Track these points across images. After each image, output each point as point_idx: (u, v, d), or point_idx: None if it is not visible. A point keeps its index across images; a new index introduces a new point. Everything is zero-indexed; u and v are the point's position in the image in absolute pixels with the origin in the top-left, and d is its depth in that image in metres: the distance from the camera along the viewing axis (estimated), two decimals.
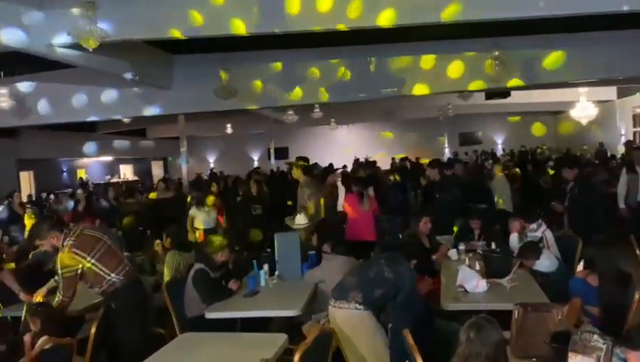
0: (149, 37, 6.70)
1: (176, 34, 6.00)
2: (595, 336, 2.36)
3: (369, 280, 3.80)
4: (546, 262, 4.70)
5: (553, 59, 8.41)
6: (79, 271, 3.93)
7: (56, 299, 3.94)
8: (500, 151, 22.43)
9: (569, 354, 2.40)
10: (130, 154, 22.66)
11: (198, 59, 9.22)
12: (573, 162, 7.47)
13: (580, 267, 4.95)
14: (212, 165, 25.29)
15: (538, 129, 19.68)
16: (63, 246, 3.93)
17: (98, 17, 5.17)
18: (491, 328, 2.17)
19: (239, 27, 5.89)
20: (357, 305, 3.71)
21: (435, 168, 7.05)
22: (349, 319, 3.72)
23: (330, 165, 18.21)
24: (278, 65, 9.19)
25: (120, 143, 20.56)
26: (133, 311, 4.07)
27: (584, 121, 16.02)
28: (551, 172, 11.66)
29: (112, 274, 4.01)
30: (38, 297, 4.34)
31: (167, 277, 5.11)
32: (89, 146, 18.37)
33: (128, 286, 4.07)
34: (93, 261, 3.95)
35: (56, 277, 4.15)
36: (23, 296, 4.60)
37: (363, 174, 9.41)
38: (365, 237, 6.61)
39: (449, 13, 5.57)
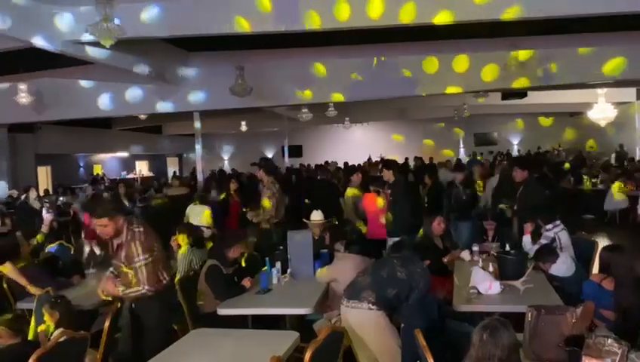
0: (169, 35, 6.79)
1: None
2: (610, 340, 2.33)
3: (382, 280, 3.80)
4: (563, 267, 4.64)
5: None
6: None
7: (132, 289, 3.73)
8: (515, 153, 22.26)
9: (583, 358, 2.37)
10: (145, 150, 22.87)
11: (213, 56, 9.27)
12: (525, 163, 7.34)
13: (595, 270, 4.92)
14: (226, 162, 25.40)
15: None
16: (134, 231, 3.75)
17: (115, 14, 5.21)
18: (505, 330, 2.15)
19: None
20: (370, 305, 3.71)
21: (390, 170, 6.98)
22: (362, 319, 3.72)
23: (346, 164, 18.30)
24: (297, 63, 9.21)
25: (136, 140, 20.79)
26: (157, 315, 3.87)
27: (602, 123, 15.79)
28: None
29: (146, 287, 3.72)
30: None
31: (180, 274, 5.14)
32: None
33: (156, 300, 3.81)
34: (144, 262, 3.71)
35: (111, 269, 3.97)
36: (32, 289, 4.61)
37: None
38: (382, 236, 6.63)
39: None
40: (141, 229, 3.78)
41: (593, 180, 12.27)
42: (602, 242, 5.69)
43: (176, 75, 9.18)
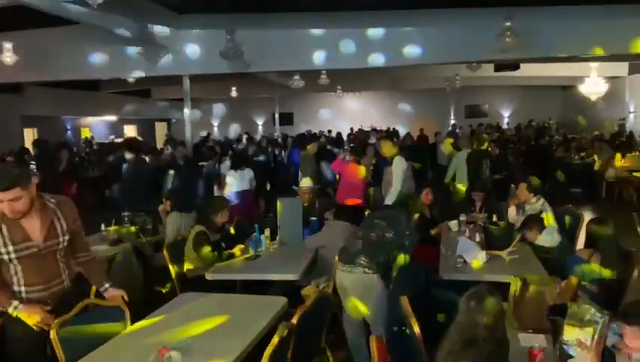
0: None
1: None
2: (593, 310, 2.38)
3: (372, 243, 3.82)
4: (548, 237, 4.70)
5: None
6: None
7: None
8: (505, 125, 22.30)
9: (565, 327, 2.41)
10: (134, 114, 22.59)
11: (204, 19, 9.08)
12: None
13: (580, 242, 4.98)
14: (215, 128, 25.19)
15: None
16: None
17: None
18: (492, 298, 2.18)
19: None
20: (365, 269, 3.75)
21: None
22: (358, 283, 3.78)
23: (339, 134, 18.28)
24: (289, 28, 9.04)
25: (124, 103, 20.50)
26: None
27: (593, 97, 15.81)
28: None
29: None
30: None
31: (168, 238, 5.14)
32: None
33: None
34: None
35: None
36: None
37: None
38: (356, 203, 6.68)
39: None
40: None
41: (582, 154, 12.35)
42: (587, 215, 5.75)
43: (165, 37, 8.99)
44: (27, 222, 2.76)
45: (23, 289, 2.83)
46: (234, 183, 7.54)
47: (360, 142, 11.42)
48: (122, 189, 8.34)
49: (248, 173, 7.76)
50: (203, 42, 9.21)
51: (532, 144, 13.00)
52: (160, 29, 8.76)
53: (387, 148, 6.72)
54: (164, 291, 4.74)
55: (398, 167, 6.31)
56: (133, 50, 9.31)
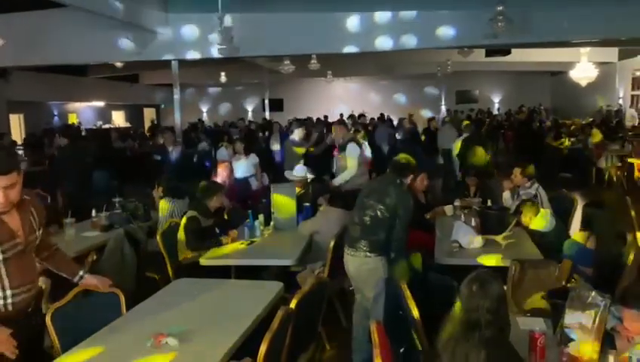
0: None
1: None
2: (594, 293, 2.37)
3: (368, 227, 3.79)
4: (543, 222, 4.69)
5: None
6: None
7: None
8: (495, 111, 22.34)
9: (566, 310, 2.41)
10: (122, 100, 22.32)
11: (194, 2, 8.93)
12: None
13: (574, 226, 4.99)
14: (204, 114, 24.99)
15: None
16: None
17: None
18: (494, 282, 2.16)
19: None
20: (366, 253, 3.75)
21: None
22: (362, 266, 3.78)
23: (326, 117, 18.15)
24: (280, 11, 8.94)
25: (112, 88, 20.24)
26: None
27: (583, 83, 15.86)
28: None
29: None
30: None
31: (161, 225, 5.08)
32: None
33: None
34: None
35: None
36: None
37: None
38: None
39: None
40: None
41: (572, 139, 12.41)
42: (579, 200, 5.76)
43: (154, 21, 8.84)
44: (9, 217, 2.49)
45: (8, 293, 2.48)
46: (240, 169, 7.53)
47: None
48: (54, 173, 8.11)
49: (253, 159, 7.74)
50: (193, 26, 9.07)
51: (524, 129, 13.01)
52: (149, 13, 8.61)
53: (339, 134, 6.83)
54: (157, 277, 4.69)
55: (352, 153, 6.38)
56: (121, 35, 9.15)
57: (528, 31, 8.48)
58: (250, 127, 15.27)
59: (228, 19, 8.06)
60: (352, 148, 6.37)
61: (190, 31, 9.11)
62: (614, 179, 10.60)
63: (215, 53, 9.05)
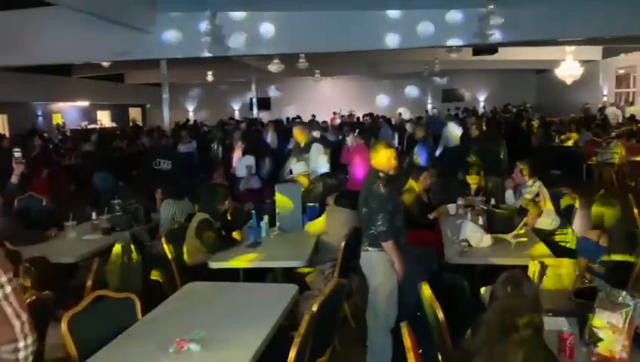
0: None
1: None
2: (624, 293, 2.37)
3: (365, 222, 3.79)
4: (547, 220, 4.73)
5: None
6: None
7: None
8: (481, 110, 22.50)
9: (596, 310, 2.40)
10: (107, 100, 22.01)
11: (182, 1, 8.79)
12: None
13: (575, 224, 5.02)
14: (191, 114, 24.77)
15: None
16: None
17: None
18: (527, 281, 2.16)
19: None
20: (367, 247, 3.76)
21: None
22: (365, 261, 3.80)
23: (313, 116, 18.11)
24: (269, 11, 8.85)
25: (97, 88, 19.92)
26: None
27: (569, 81, 16.04)
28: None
29: None
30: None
31: (164, 227, 5.01)
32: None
33: None
34: None
35: None
36: None
37: None
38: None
39: None
40: None
41: (562, 137, 12.54)
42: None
43: (142, 19, 8.66)
44: None
45: (29, 341, 1.92)
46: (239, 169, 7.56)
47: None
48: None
49: (248, 160, 7.76)
50: (182, 25, 8.92)
51: (513, 129, 13.10)
52: (137, 12, 8.44)
53: (300, 136, 7.16)
54: (161, 280, 4.61)
55: (316, 153, 6.80)
56: (109, 34, 8.96)
57: (517, 29, 8.50)
58: (257, 128, 14.99)
59: (218, 18, 7.95)
60: (314, 148, 6.79)
61: (179, 30, 8.96)
62: (604, 176, 10.73)
63: (205, 52, 8.95)
